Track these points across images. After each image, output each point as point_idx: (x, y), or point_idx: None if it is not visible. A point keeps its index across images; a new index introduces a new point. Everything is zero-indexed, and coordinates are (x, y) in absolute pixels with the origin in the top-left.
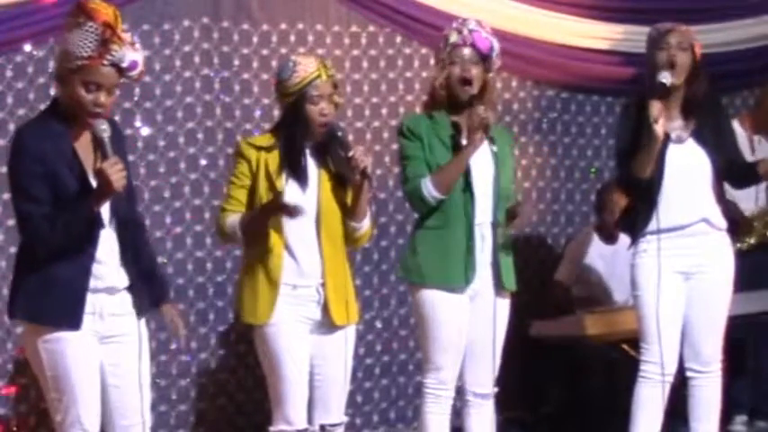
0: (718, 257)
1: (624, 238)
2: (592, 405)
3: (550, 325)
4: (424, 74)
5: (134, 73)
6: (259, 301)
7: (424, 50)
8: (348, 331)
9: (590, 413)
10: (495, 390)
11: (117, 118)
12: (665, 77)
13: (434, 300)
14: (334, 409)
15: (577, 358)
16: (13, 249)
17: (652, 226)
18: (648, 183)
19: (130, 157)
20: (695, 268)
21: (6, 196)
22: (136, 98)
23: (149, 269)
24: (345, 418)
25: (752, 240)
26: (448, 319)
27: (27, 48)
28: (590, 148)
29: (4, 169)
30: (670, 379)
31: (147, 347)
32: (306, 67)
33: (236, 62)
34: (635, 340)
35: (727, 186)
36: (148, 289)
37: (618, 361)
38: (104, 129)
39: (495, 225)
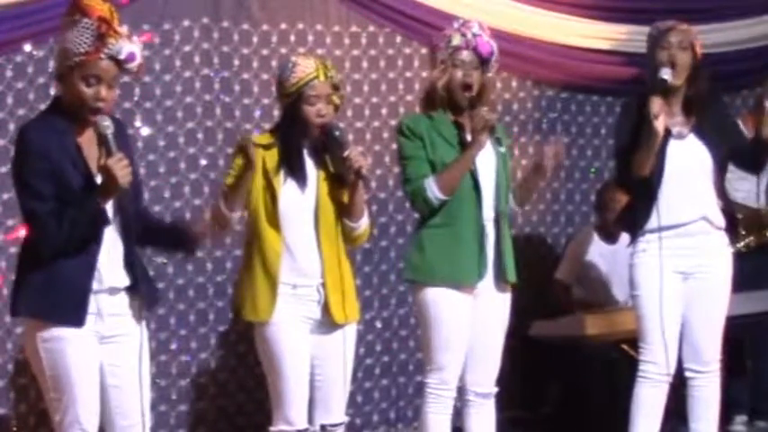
0: (717, 257)
1: (625, 238)
2: (591, 405)
3: (550, 325)
4: (424, 74)
5: (132, 65)
6: (259, 299)
7: (423, 50)
8: (348, 331)
9: (590, 413)
10: (496, 389)
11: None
12: (666, 74)
13: (441, 298)
14: (335, 409)
15: (577, 358)
16: (13, 249)
17: (652, 224)
18: (648, 180)
19: None
20: (694, 268)
21: (6, 196)
22: (136, 98)
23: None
24: (346, 418)
25: (751, 242)
26: (453, 318)
27: (27, 48)
28: (590, 148)
29: (4, 169)
30: (669, 379)
31: (148, 348)
32: (304, 68)
33: (236, 62)
34: (635, 340)
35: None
36: (152, 286)
37: (618, 361)
38: (107, 125)
39: (497, 222)
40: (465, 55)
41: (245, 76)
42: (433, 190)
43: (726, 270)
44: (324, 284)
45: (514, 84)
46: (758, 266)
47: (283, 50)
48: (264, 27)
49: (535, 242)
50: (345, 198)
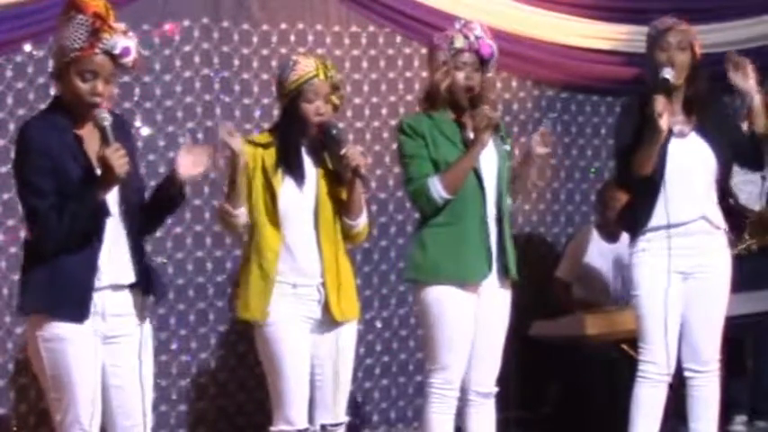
0: (716, 257)
1: (625, 237)
2: (591, 405)
3: (550, 325)
4: (424, 74)
5: (128, 60)
6: (251, 297)
7: (423, 50)
8: (349, 330)
9: (590, 413)
10: (496, 389)
11: None
12: (668, 73)
13: (445, 297)
14: (335, 409)
15: (577, 358)
16: (13, 249)
17: (652, 223)
18: (649, 179)
19: None
20: (694, 268)
21: (6, 196)
22: (136, 98)
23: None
24: (347, 418)
25: (753, 246)
26: (457, 317)
27: (27, 48)
28: (590, 148)
29: (4, 169)
30: (669, 379)
31: (151, 348)
32: (304, 66)
33: (236, 62)
34: (634, 340)
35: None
36: (159, 280)
37: (618, 361)
38: (105, 117)
39: (499, 220)
40: (467, 57)
41: (245, 76)
42: (437, 189)
43: (725, 270)
44: (324, 284)
45: (514, 84)
46: (758, 267)
47: (283, 50)
48: (264, 27)
49: (535, 242)
50: (344, 196)
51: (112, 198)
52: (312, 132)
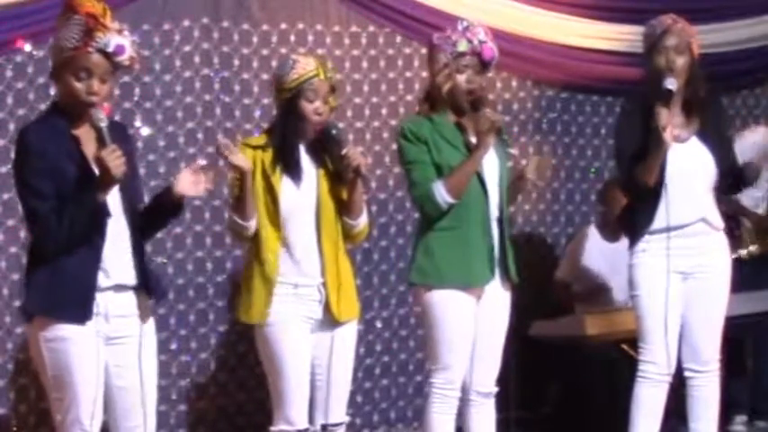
0: (716, 258)
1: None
2: (591, 405)
3: (550, 325)
4: (424, 74)
5: (122, 58)
6: (254, 300)
7: (423, 50)
8: (349, 330)
9: (590, 413)
10: (496, 389)
11: (117, 118)
12: (672, 84)
13: (449, 299)
14: (336, 409)
15: (577, 358)
16: (13, 249)
17: (652, 225)
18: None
19: None
20: (693, 268)
21: (6, 196)
22: (136, 98)
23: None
24: (347, 418)
25: (755, 252)
26: (460, 319)
27: (27, 48)
28: (590, 148)
29: (4, 169)
30: (669, 379)
31: (155, 349)
32: (304, 65)
33: (236, 62)
34: (635, 340)
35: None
36: (159, 281)
37: (618, 361)
38: (101, 118)
39: (500, 222)
40: (468, 60)
41: (245, 76)
42: (442, 194)
43: (725, 270)
44: (324, 284)
45: (514, 84)
46: (758, 267)
47: (283, 50)
48: (264, 27)
49: (535, 242)
50: (344, 196)
51: (114, 200)
52: (310, 132)
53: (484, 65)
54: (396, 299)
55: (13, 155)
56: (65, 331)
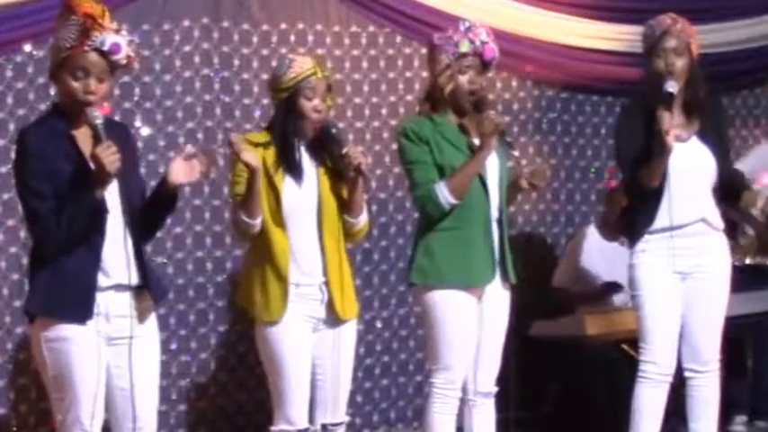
0: (716, 257)
1: None
2: (592, 405)
3: (550, 325)
4: (424, 74)
5: (119, 57)
6: (272, 299)
7: (423, 50)
8: (349, 329)
9: (590, 413)
10: (496, 389)
11: (117, 118)
12: (672, 87)
13: (450, 300)
14: (336, 409)
15: (577, 358)
16: (13, 249)
17: (653, 225)
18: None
19: None
20: (693, 268)
21: (6, 196)
22: (136, 98)
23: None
24: (347, 418)
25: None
26: (462, 319)
27: (27, 48)
28: (590, 148)
29: (4, 169)
30: (669, 379)
31: (158, 349)
32: (302, 64)
33: (236, 62)
34: (635, 340)
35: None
36: (159, 281)
37: (618, 361)
38: (97, 115)
39: (500, 222)
40: (470, 60)
41: (245, 76)
42: (444, 195)
43: (725, 270)
44: (327, 282)
45: (514, 84)
46: (758, 266)
47: (283, 50)
48: (264, 27)
49: (535, 242)
50: (345, 194)
51: (113, 199)
52: (310, 130)
53: (485, 65)
54: (396, 299)
55: (13, 155)
56: (66, 331)
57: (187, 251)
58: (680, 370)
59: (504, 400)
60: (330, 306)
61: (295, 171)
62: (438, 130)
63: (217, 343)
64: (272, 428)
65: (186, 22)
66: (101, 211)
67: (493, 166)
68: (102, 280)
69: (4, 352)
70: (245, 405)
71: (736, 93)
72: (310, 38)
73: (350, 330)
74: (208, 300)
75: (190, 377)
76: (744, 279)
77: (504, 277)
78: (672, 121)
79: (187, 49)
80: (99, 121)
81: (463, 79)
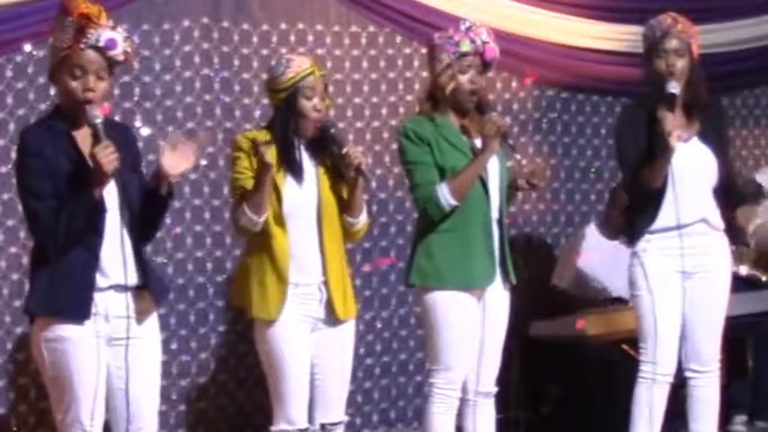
0: (716, 258)
1: None
2: (592, 405)
3: (550, 325)
4: (424, 74)
5: (115, 52)
6: (269, 297)
7: (423, 50)
8: (348, 329)
9: (590, 413)
10: (496, 389)
11: (117, 118)
12: (674, 87)
13: (451, 301)
14: (335, 408)
15: (577, 358)
16: (13, 249)
17: (654, 225)
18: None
19: None
20: (694, 268)
21: (6, 196)
22: (136, 98)
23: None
24: (346, 417)
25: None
26: (463, 320)
27: (27, 48)
28: (590, 148)
29: (4, 169)
30: (670, 379)
31: (159, 350)
32: (300, 63)
33: (236, 62)
34: (635, 340)
35: None
36: (161, 281)
37: (618, 361)
38: (96, 114)
39: (500, 222)
40: (471, 60)
41: (245, 76)
42: (445, 196)
43: (725, 270)
44: (326, 282)
45: (514, 84)
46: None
47: (283, 50)
48: (264, 27)
49: (535, 242)
50: (345, 194)
51: (112, 200)
52: (310, 130)
53: (485, 65)
54: (396, 299)
55: (13, 155)
56: (65, 331)
57: (187, 251)
58: (680, 370)
59: (504, 401)
60: (329, 306)
61: (296, 171)
62: (439, 132)
63: (217, 343)
64: (273, 428)
65: (186, 22)
66: (99, 210)
67: (493, 168)
68: (100, 280)
69: (4, 352)
70: (245, 405)
71: (736, 93)
72: (310, 38)
73: (349, 330)
74: (208, 300)
75: (190, 377)
76: (744, 279)
77: (505, 278)
78: (674, 122)
79: (187, 49)
80: (98, 121)
81: (464, 79)
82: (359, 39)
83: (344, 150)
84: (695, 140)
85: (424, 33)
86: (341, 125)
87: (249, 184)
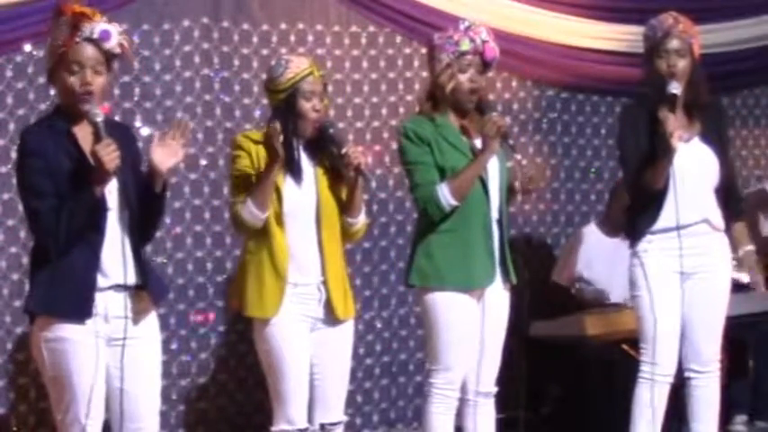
0: (716, 258)
1: None
2: (592, 405)
3: (550, 325)
4: (424, 74)
5: (111, 44)
6: (266, 295)
7: (424, 50)
8: (347, 329)
9: (590, 413)
10: (496, 389)
11: (117, 118)
12: (675, 88)
13: (451, 302)
14: (334, 408)
15: (577, 358)
16: (13, 249)
17: (655, 225)
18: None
19: None
20: (694, 269)
21: (6, 196)
22: (136, 98)
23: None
24: (345, 417)
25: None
26: (463, 320)
27: (27, 48)
28: (590, 148)
29: (4, 169)
30: (670, 380)
31: (159, 350)
32: (298, 64)
33: (236, 62)
34: (635, 340)
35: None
36: (160, 281)
37: (618, 361)
38: (97, 113)
39: (500, 222)
40: (471, 59)
41: (245, 76)
42: (445, 196)
43: (726, 270)
44: (325, 282)
45: (514, 84)
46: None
47: (283, 50)
48: (264, 27)
49: (535, 242)
50: (344, 194)
51: (113, 199)
52: (309, 130)
53: (485, 65)
54: (396, 299)
55: (13, 155)
56: (65, 331)
57: (187, 251)
58: (680, 370)
59: (504, 400)
60: (328, 306)
61: (295, 171)
62: (439, 132)
63: (217, 343)
64: (273, 429)
65: (186, 22)
66: (100, 209)
67: (493, 168)
68: (100, 280)
69: (4, 352)
70: (245, 405)
71: (736, 93)
72: (310, 38)
73: (348, 330)
74: (208, 300)
75: (190, 377)
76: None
77: (505, 278)
78: (676, 123)
79: (187, 49)
80: (99, 119)
81: (464, 78)
82: (359, 39)
83: (344, 150)
84: (696, 141)
85: (424, 33)
86: (341, 125)
87: (249, 184)
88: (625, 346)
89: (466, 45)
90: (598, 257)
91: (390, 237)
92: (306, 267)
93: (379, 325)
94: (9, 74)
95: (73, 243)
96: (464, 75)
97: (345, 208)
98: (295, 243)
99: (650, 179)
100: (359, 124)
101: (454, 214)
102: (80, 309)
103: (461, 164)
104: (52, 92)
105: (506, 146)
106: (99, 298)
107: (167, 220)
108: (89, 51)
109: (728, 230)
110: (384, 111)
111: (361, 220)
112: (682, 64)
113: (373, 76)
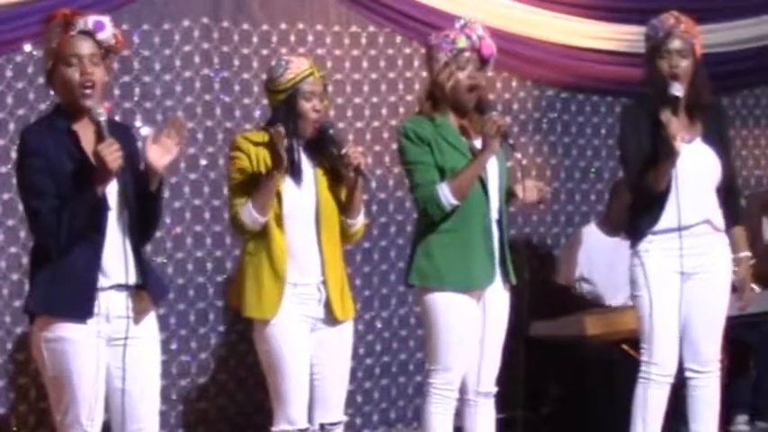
0: (717, 258)
1: None
2: (592, 405)
3: (550, 325)
4: (424, 74)
5: (105, 35)
6: (264, 296)
7: (423, 50)
8: (347, 329)
9: (590, 413)
10: (496, 389)
11: (117, 118)
12: (677, 90)
13: (451, 302)
14: (334, 408)
15: (577, 358)
16: (13, 249)
17: (656, 226)
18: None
19: None
20: (694, 269)
21: (6, 196)
22: (136, 98)
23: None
24: (345, 417)
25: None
26: (461, 320)
27: (27, 48)
28: (590, 148)
29: (4, 169)
30: (670, 380)
31: (158, 350)
32: (299, 65)
33: (236, 62)
34: (635, 340)
35: None
36: (160, 281)
37: (618, 361)
38: (100, 112)
39: (500, 222)
40: (469, 56)
41: (245, 76)
42: (446, 196)
43: (726, 271)
44: (324, 282)
45: (514, 84)
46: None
47: (283, 50)
48: (264, 27)
49: (535, 242)
50: (343, 195)
51: (113, 199)
52: (309, 131)
53: (483, 62)
54: (396, 299)
55: (13, 155)
56: (65, 331)
57: (187, 251)
58: (681, 370)
59: (504, 400)
60: (328, 306)
61: (295, 172)
62: (439, 132)
63: (217, 343)
64: (273, 429)
65: (186, 22)
66: (101, 208)
67: (493, 168)
68: (101, 280)
69: (4, 352)
70: (245, 405)
71: (736, 93)
72: (310, 38)
73: (347, 330)
74: (208, 300)
75: (190, 377)
76: None
77: (505, 278)
78: (679, 126)
79: (187, 49)
80: (102, 119)
81: (462, 75)
82: (359, 39)
83: (344, 151)
84: (698, 141)
85: (424, 33)
86: (341, 125)
87: (248, 186)
88: (625, 346)
89: (462, 42)
90: (598, 257)
91: (390, 237)
92: (306, 267)
93: (379, 325)
94: (9, 74)
95: (74, 243)
96: (462, 72)
97: (344, 209)
98: (295, 243)
99: (653, 181)
100: (359, 124)
101: (454, 214)
102: (81, 308)
103: (461, 164)
104: (52, 91)
105: (506, 145)
106: (100, 298)
107: (167, 220)
108: (85, 43)
109: (728, 232)
110: (384, 111)
111: (359, 222)
112: (684, 64)
113: (373, 76)
